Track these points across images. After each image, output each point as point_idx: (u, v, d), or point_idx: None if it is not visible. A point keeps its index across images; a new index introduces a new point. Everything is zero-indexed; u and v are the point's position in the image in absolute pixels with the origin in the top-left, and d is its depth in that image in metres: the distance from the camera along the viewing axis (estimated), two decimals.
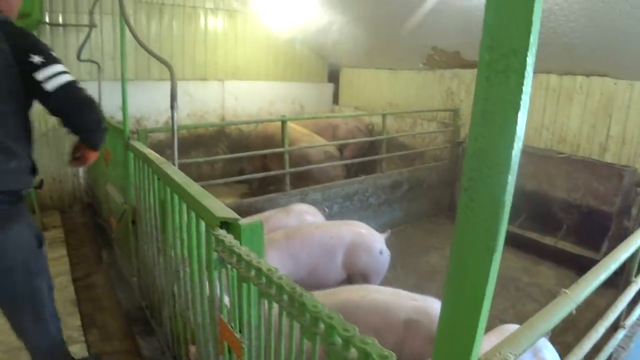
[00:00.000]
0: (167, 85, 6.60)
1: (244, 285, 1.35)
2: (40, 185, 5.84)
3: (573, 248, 4.80)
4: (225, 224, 1.51)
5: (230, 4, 6.83)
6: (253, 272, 1.25)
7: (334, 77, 8.31)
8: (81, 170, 6.01)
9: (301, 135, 6.15)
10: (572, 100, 5.12)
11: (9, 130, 1.91)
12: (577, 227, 4.87)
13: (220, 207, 1.60)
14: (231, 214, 1.53)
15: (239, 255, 1.31)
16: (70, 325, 3.28)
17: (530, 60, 0.62)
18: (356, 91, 8.04)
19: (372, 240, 3.38)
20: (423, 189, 6.03)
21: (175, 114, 2.25)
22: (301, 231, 3.38)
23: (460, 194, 0.71)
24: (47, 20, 5.49)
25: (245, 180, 6.01)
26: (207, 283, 1.80)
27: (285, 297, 1.14)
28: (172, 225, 2.26)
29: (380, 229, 3.73)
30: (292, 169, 4.79)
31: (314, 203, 4.46)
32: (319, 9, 6.08)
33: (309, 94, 7.96)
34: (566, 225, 4.93)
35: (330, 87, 8.27)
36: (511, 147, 0.65)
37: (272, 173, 5.08)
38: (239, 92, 7.17)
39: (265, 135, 6.46)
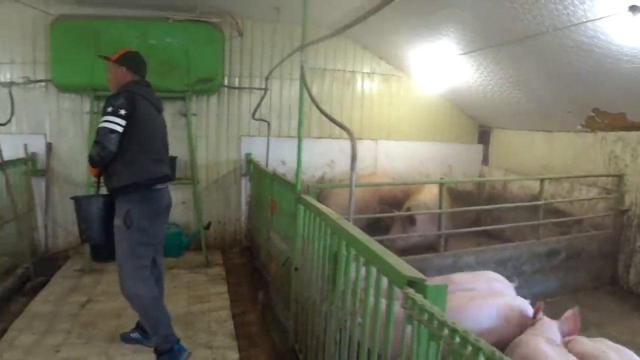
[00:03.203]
0: (323, 143, 7.08)
1: (433, 343, 1.43)
2: (208, 226, 6.51)
3: None
4: (411, 283, 1.61)
5: (386, 68, 7.23)
6: (446, 331, 1.33)
7: (484, 138, 8.19)
8: (243, 216, 6.63)
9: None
10: None
11: None
12: None
13: (405, 266, 1.72)
14: (417, 274, 1.63)
15: (431, 314, 1.40)
16: (230, 359, 3.55)
17: None
18: (507, 153, 7.79)
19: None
20: (582, 259, 5.56)
21: (354, 175, 2.46)
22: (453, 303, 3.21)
23: None
24: (226, 83, 6.36)
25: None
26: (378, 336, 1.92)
27: (482, 358, 1.19)
28: (344, 276, 2.43)
29: (533, 298, 3.57)
30: (448, 231, 4.80)
31: (467, 266, 4.39)
32: (473, 72, 6.14)
33: (458, 155, 7.93)
34: None
35: (480, 148, 8.15)
36: None
37: (429, 233, 5.14)
38: (391, 151, 7.39)
39: (406, 192, 6.69)
